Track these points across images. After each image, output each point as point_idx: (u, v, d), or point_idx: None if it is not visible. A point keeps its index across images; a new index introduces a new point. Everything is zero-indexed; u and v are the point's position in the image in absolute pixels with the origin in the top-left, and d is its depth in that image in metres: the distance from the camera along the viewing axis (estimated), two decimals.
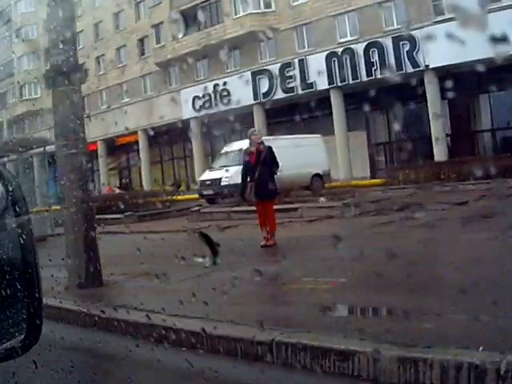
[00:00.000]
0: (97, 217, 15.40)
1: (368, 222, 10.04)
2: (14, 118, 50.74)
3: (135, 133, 35.44)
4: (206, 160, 34.61)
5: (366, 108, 27.24)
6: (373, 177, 27.68)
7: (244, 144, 23.60)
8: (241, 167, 21.18)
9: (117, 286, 6.82)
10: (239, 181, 20.88)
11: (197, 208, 13.52)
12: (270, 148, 9.16)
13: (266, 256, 8.39)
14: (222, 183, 20.08)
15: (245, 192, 9.03)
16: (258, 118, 30.10)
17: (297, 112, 29.01)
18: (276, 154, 8.88)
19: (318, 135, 23.56)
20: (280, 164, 9.24)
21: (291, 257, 7.55)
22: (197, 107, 32.77)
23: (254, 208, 11.50)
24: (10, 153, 14.24)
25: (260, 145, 9.08)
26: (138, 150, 37.44)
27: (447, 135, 26.54)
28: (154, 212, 15.25)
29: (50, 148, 18.06)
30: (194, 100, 32.82)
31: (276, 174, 9.20)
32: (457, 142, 26.64)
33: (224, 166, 21.22)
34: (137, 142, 37.05)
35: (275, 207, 9.72)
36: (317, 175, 21.53)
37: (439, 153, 25.03)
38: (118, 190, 26.95)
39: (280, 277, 6.07)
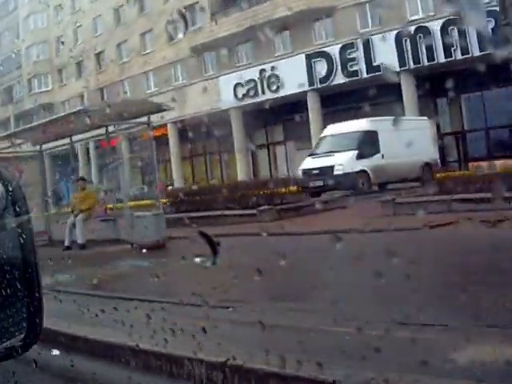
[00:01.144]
0: (222, 213, 12.31)
1: None
2: (22, 112, 47.09)
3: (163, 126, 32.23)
4: (247, 154, 31.59)
5: (439, 93, 24.52)
6: (446, 169, 24.91)
7: (353, 125, 18.88)
8: (355, 152, 18.17)
9: None
10: (356, 168, 17.64)
11: (391, 197, 10.48)
12: None
13: None
14: (336, 172, 16.89)
15: None
16: (313, 106, 27.10)
17: (358, 98, 26.08)
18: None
19: (425, 118, 20.69)
20: None
21: None
22: (239, 95, 29.68)
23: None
24: (111, 122, 10.78)
25: None
26: (167, 145, 34.25)
27: None
28: (296, 206, 12.13)
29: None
30: (235, 87, 29.73)
31: None
32: None
33: (331, 152, 17.99)
34: (162, 136, 33.90)
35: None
36: (427, 164, 18.39)
37: None
38: (170, 188, 23.74)
39: None
